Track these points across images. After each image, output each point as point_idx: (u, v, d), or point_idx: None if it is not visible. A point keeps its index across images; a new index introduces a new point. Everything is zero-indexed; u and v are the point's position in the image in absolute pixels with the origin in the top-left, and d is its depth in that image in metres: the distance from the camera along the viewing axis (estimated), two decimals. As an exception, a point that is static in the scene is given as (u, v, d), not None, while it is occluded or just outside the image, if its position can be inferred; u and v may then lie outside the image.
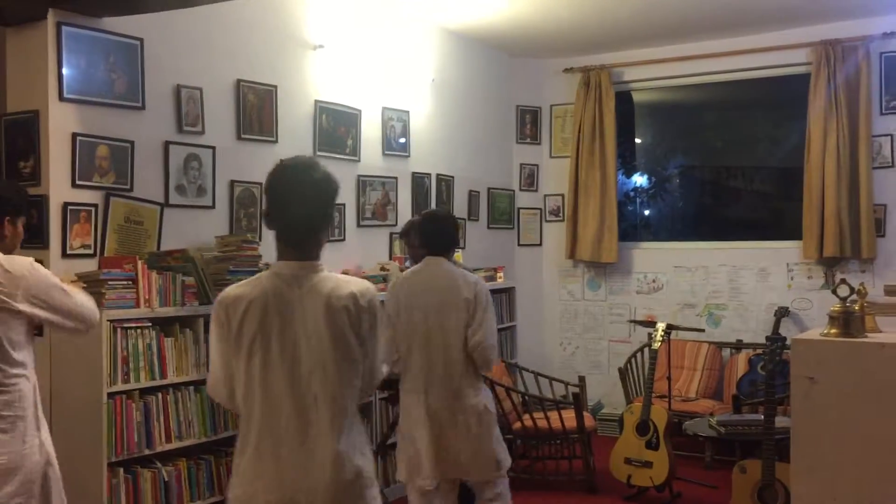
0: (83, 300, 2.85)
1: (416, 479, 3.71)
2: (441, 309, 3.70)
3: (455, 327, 3.68)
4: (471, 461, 3.73)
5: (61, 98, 3.87)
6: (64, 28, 3.86)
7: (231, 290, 2.33)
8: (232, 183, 4.74)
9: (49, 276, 2.76)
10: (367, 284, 2.38)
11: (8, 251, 2.79)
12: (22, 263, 2.72)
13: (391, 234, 6.05)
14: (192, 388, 3.97)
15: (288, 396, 2.24)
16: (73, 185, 3.92)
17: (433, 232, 3.83)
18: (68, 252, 3.88)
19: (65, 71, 3.87)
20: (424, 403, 3.69)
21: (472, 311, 3.68)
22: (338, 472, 2.23)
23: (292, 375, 2.25)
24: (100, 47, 4.01)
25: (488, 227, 7.28)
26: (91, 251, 3.96)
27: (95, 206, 3.99)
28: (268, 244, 4.73)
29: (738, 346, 6.77)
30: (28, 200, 3.02)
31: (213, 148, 4.62)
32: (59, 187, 3.82)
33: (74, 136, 3.91)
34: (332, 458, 2.23)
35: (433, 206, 6.45)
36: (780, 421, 4.26)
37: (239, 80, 4.80)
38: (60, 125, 3.87)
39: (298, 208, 2.27)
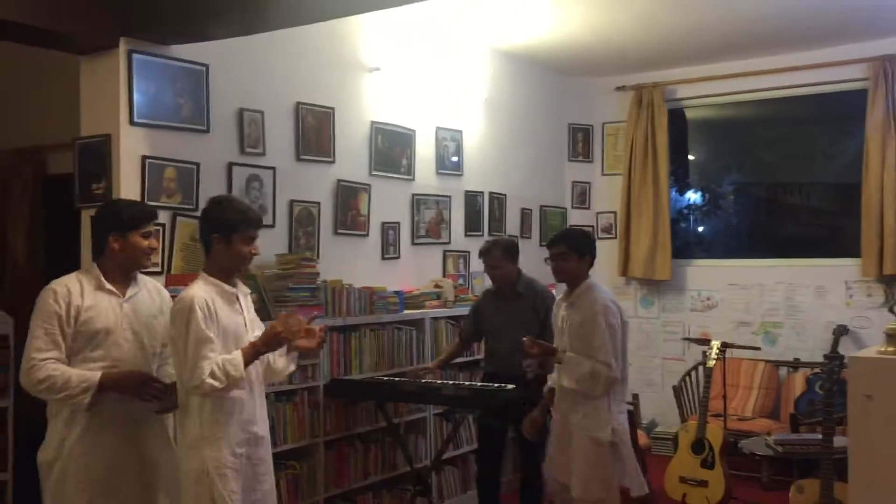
0: None
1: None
2: None
3: None
4: None
5: (132, 122, 4.01)
6: (134, 56, 4.02)
7: None
8: (291, 203, 4.86)
9: None
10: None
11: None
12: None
13: (445, 251, 6.12)
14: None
15: None
16: (143, 205, 3.97)
17: None
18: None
19: (135, 96, 4.02)
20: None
21: None
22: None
23: None
24: (168, 73, 4.17)
25: (540, 245, 7.22)
26: (159, 269, 4.08)
27: (163, 225, 4.11)
28: (325, 262, 4.94)
29: (796, 364, 6.67)
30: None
31: (274, 169, 4.74)
32: (129, 208, 3.83)
33: (144, 158, 4.05)
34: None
35: (486, 223, 6.48)
36: (838, 441, 4.20)
37: (298, 103, 4.92)
38: (131, 148, 4.01)
39: None
